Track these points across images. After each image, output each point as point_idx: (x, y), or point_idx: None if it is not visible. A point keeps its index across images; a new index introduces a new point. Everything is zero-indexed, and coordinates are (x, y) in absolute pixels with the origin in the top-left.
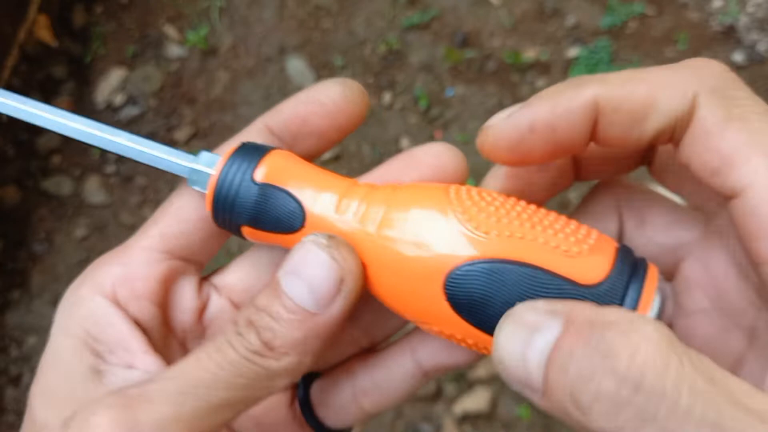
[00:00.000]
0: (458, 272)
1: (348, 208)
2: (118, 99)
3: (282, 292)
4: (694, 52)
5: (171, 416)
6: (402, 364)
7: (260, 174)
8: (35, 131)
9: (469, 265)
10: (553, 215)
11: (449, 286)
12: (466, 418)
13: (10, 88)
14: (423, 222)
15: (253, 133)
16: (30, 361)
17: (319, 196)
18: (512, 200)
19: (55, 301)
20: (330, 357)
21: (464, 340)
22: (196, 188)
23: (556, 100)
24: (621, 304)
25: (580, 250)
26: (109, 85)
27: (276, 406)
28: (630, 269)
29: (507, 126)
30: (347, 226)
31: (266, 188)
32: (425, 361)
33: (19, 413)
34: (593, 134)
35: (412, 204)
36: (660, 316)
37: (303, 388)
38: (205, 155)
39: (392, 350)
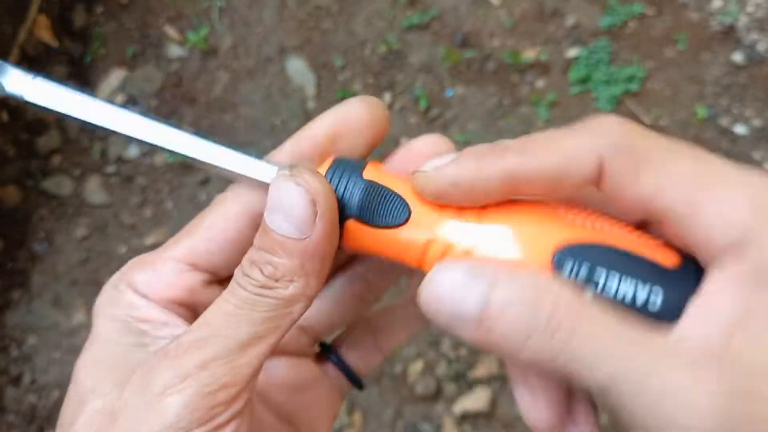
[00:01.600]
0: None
1: None
2: (119, 99)
3: (269, 229)
4: (693, 52)
5: (210, 357)
6: (405, 309)
7: (366, 174)
8: (36, 131)
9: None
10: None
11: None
12: (465, 418)
13: None
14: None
15: (284, 154)
16: (30, 360)
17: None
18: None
19: (55, 302)
20: (346, 315)
21: None
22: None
23: (479, 164)
24: None
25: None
26: (110, 85)
27: (305, 368)
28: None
29: (434, 178)
30: (450, 212)
31: (372, 184)
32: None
33: (20, 413)
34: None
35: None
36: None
37: (330, 348)
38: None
39: (396, 304)
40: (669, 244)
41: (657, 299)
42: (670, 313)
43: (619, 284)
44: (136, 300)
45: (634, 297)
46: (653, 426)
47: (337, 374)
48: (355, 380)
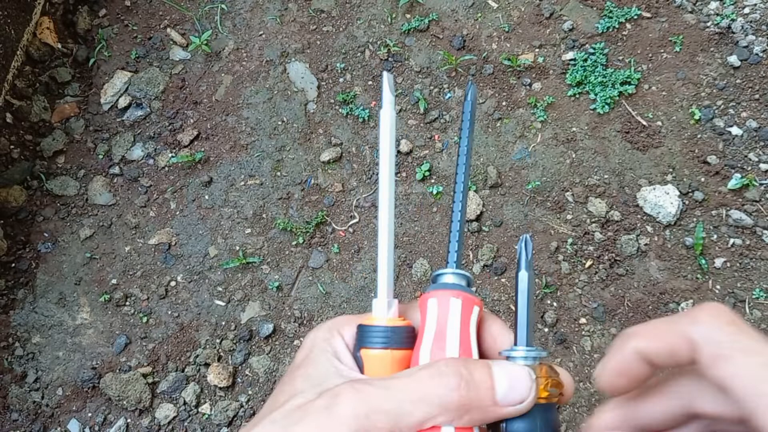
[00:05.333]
0: None
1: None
2: (122, 101)
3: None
4: (689, 54)
5: (379, 410)
6: None
7: None
8: (40, 133)
9: None
10: None
11: None
12: None
13: (14, 90)
14: None
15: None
16: (35, 359)
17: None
18: None
19: (59, 301)
20: None
21: None
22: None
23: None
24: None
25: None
26: (114, 87)
27: None
28: None
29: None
30: None
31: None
32: None
33: (23, 411)
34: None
35: None
36: None
37: None
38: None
39: None
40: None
41: None
42: None
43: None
44: (342, 346)
45: None
46: None
47: None
48: None
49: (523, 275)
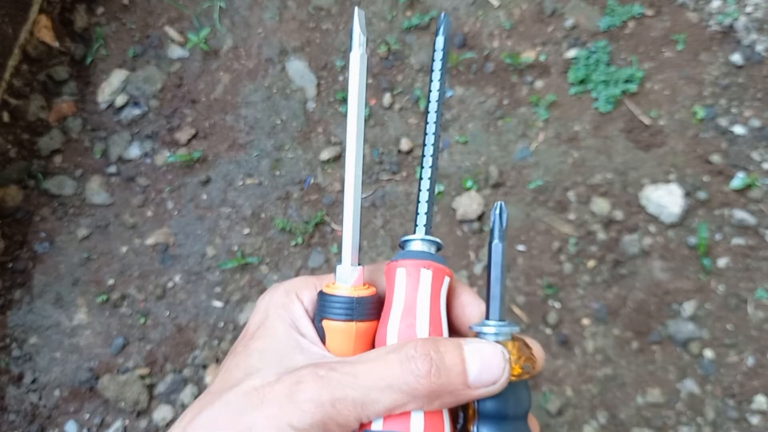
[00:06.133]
0: None
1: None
2: (120, 100)
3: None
4: (692, 52)
5: (345, 398)
6: None
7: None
8: (37, 132)
9: None
10: None
11: None
12: None
13: (12, 88)
14: None
15: None
16: (32, 360)
17: None
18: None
19: (56, 301)
20: None
21: None
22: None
23: None
24: None
25: None
26: (111, 85)
27: None
28: None
29: None
30: None
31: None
32: None
33: (20, 412)
34: None
35: None
36: None
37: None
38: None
39: None
40: None
41: None
42: None
43: None
44: (301, 313)
45: None
46: None
47: None
48: None
49: (497, 246)
